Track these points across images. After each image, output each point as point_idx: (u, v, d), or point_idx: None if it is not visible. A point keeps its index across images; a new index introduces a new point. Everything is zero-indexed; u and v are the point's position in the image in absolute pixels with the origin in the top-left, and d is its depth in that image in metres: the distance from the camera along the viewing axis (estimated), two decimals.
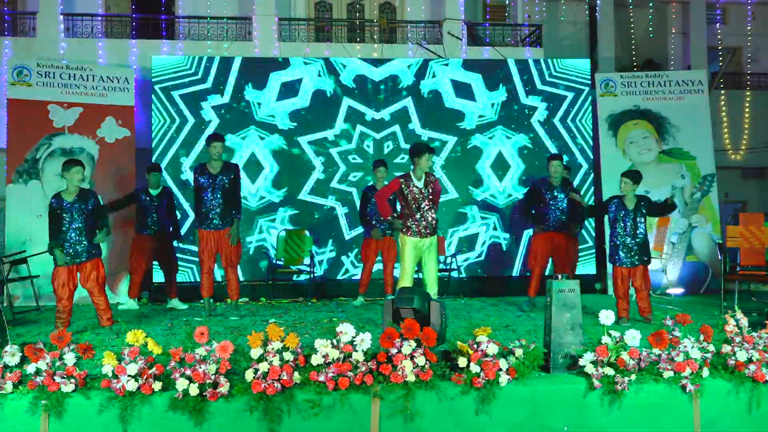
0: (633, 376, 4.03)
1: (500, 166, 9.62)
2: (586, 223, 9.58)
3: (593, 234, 9.58)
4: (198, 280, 7.90)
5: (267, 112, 9.35)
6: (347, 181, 9.42)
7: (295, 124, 9.38)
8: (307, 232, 9.12)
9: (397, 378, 3.84)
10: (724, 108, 13.06)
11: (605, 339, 4.12)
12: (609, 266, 8.36)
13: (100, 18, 11.12)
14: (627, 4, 13.58)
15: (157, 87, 9.20)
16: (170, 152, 9.16)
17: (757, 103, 13.22)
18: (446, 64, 9.73)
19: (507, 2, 13.27)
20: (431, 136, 9.52)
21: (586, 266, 9.53)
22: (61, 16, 10.65)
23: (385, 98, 9.51)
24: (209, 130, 9.17)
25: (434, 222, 6.17)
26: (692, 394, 4.09)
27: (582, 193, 9.60)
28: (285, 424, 3.84)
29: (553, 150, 9.53)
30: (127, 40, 10.74)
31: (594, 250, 9.55)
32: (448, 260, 8.90)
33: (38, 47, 10.35)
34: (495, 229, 9.54)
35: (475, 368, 3.92)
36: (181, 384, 3.76)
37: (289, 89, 9.41)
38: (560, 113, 9.69)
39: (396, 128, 9.51)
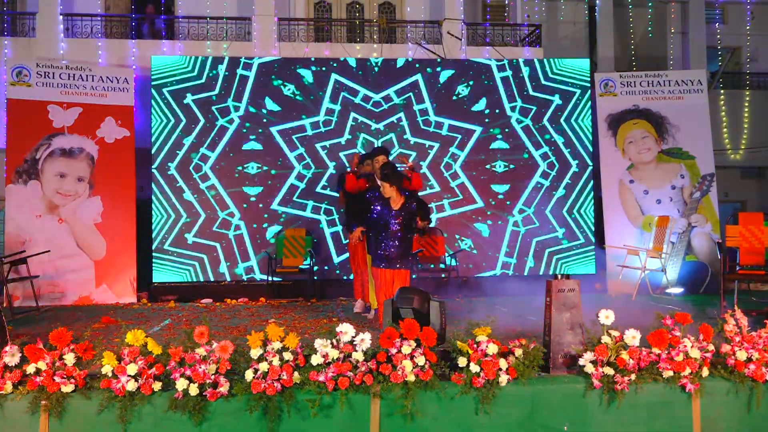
0: (633, 376, 4.03)
1: (501, 166, 9.61)
2: (583, 224, 9.59)
3: (593, 235, 9.59)
4: (198, 280, 8.97)
5: (267, 112, 9.35)
6: None
7: (297, 123, 9.38)
8: (306, 232, 9.13)
9: (397, 378, 3.84)
10: (723, 107, 13.06)
11: (605, 338, 4.12)
12: (610, 266, 8.39)
13: (99, 18, 11.11)
14: (626, 3, 13.57)
15: (156, 87, 9.20)
16: (170, 152, 9.16)
17: (757, 102, 13.22)
18: (444, 65, 9.73)
19: (506, 2, 13.27)
20: (435, 131, 9.52)
21: (586, 266, 9.54)
22: (61, 17, 10.63)
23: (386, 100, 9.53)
24: (209, 130, 9.19)
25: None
26: (692, 393, 4.09)
27: (582, 192, 9.62)
28: (285, 423, 3.84)
29: (553, 150, 9.57)
30: (126, 41, 10.73)
31: (594, 251, 9.55)
32: (448, 260, 8.90)
33: (38, 47, 10.33)
34: (495, 228, 9.54)
35: (475, 368, 3.91)
36: (181, 384, 3.75)
37: (289, 89, 9.41)
38: (560, 113, 9.69)
39: (401, 115, 9.52)
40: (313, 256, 8.94)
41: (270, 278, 8.87)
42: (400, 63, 9.65)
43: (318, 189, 9.36)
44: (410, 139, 9.50)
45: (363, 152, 8.44)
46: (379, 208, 6.04)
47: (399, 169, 6.45)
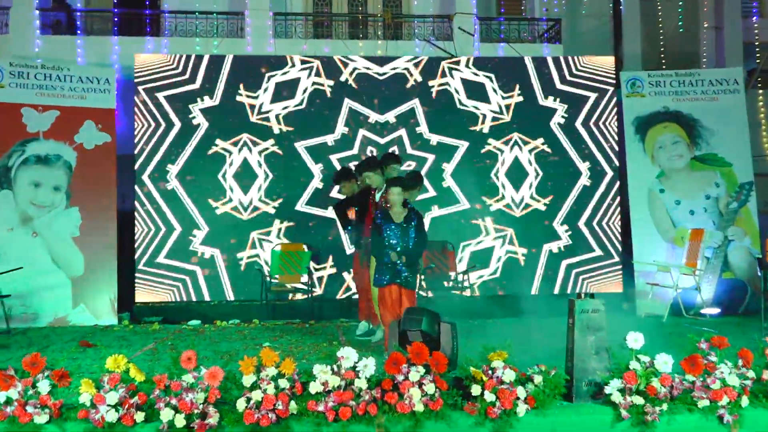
0: (664, 406, 4.01)
1: (516, 173, 9.62)
2: (609, 237, 9.59)
3: (620, 250, 9.59)
4: (185, 300, 9.02)
5: (261, 115, 9.39)
6: None
7: (291, 128, 9.42)
8: (304, 247, 9.13)
9: (404, 408, 3.83)
10: (762, 109, 13.06)
11: (634, 364, 4.10)
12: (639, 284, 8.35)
13: (78, 13, 11.21)
14: None
15: (140, 88, 9.25)
16: (155, 159, 9.19)
17: None
18: (457, 63, 9.78)
19: None
20: (440, 140, 9.54)
21: (612, 284, 9.52)
22: (37, 11, 10.73)
23: (390, 99, 9.56)
24: (198, 134, 9.23)
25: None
26: (730, 425, 4.07)
27: (607, 203, 9.62)
28: None
29: (576, 156, 9.60)
30: (108, 37, 10.82)
31: (620, 267, 9.53)
32: (460, 278, 8.89)
33: (11, 45, 10.42)
34: (512, 243, 9.53)
35: (489, 397, 3.91)
36: (166, 414, 3.75)
37: (285, 90, 9.46)
38: (582, 116, 9.71)
39: (402, 132, 9.54)
40: (312, 273, 8.94)
41: (264, 298, 8.87)
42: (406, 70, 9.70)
43: (318, 198, 9.38)
44: (428, 138, 9.52)
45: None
46: (385, 225, 6.20)
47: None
